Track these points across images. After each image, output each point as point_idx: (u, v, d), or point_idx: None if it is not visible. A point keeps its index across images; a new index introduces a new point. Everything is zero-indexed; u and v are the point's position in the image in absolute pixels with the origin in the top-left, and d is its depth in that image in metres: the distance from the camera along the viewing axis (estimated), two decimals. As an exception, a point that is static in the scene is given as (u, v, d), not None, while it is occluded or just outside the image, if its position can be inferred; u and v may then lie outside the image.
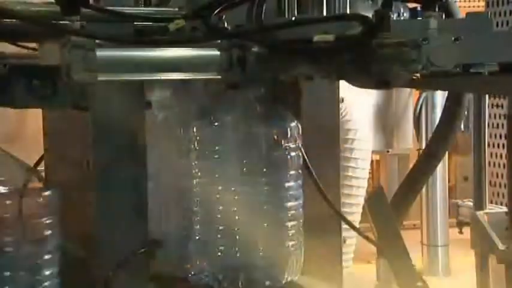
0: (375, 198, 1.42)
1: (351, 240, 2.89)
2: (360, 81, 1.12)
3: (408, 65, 1.01)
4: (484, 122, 2.47)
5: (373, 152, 3.10)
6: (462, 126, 3.55)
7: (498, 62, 1.18)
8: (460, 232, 2.20)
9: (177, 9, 1.50)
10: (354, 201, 2.94)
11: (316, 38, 1.07)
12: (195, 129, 1.58)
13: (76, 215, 1.74)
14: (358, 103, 2.94)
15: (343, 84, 2.34)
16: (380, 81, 1.10)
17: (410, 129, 3.27)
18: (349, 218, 2.97)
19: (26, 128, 3.71)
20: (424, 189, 3.41)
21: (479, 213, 1.93)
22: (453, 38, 1.01)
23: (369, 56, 1.07)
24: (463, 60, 1.04)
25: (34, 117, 2.13)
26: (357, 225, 3.05)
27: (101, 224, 1.63)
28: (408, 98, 3.21)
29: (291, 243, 1.57)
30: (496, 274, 1.99)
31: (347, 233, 2.70)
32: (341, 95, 1.96)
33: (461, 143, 4.14)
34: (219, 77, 1.24)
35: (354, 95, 2.92)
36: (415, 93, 3.31)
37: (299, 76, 1.20)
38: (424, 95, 3.24)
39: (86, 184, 1.65)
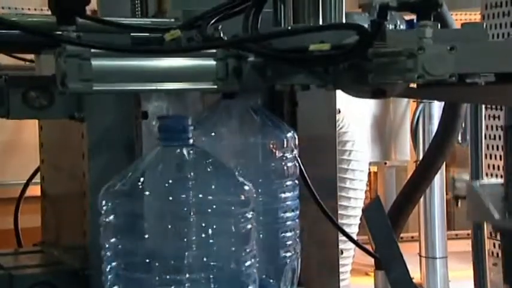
0: (372, 209, 1.42)
1: (349, 252, 2.88)
2: (356, 90, 1.12)
3: (404, 74, 1.01)
4: (481, 133, 2.48)
5: (370, 163, 3.10)
6: (459, 138, 3.55)
7: (494, 72, 1.18)
8: (456, 206, 2.19)
9: (173, 20, 1.51)
10: (352, 212, 2.93)
11: (312, 47, 1.07)
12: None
13: (71, 227, 1.74)
14: (355, 114, 2.94)
15: (340, 96, 2.37)
16: (376, 90, 1.10)
17: (408, 140, 3.27)
18: (347, 229, 2.96)
19: (23, 140, 3.72)
20: (422, 202, 3.40)
21: (475, 183, 1.92)
22: (449, 48, 1.01)
23: (365, 65, 1.07)
24: (459, 70, 1.04)
25: (31, 129, 2.13)
26: (355, 236, 3.04)
27: (97, 235, 1.63)
28: (405, 108, 3.21)
29: (287, 254, 1.56)
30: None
31: (344, 245, 2.70)
32: (338, 106, 1.97)
33: (459, 155, 4.14)
34: (215, 86, 1.24)
35: (350, 106, 2.92)
36: (412, 104, 3.31)
37: (295, 85, 1.20)
38: (421, 106, 3.24)
39: (81, 195, 1.66)
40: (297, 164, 1.60)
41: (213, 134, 1.54)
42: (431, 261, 3.44)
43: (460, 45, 1.06)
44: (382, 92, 1.10)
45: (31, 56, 2.03)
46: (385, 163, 3.29)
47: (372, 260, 1.99)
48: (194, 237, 1.26)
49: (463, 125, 3.23)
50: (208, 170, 1.31)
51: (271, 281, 1.55)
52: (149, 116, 1.64)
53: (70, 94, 1.15)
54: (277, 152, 1.54)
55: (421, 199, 3.37)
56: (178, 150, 1.29)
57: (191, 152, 1.30)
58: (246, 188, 1.31)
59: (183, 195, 1.27)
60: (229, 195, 1.31)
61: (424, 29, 1.01)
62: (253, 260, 1.36)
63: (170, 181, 1.28)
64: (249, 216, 1.33)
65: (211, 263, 1.30)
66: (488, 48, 1.17)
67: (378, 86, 1.09)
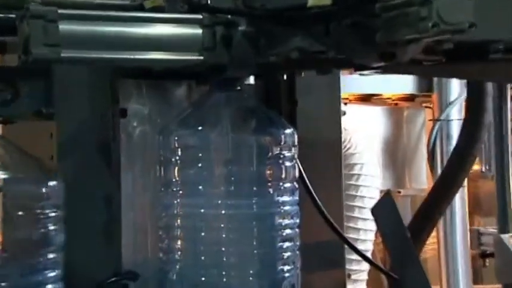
0: (383, 206, 1.38)
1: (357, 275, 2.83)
2: (362, 54, 1.10)
3: (417, 25, 0.98)
4: (508, 158, 2.46)
5: (381, 192, 3.07)
6: (483, 167, 3.52)
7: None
8: (484, 265, 2.15)
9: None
10: (361, 246, 2.88)
11: (310, 3, 1.05)
12: (176, 139, 1.54)
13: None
14: (363, 134, 2.92)
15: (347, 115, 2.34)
16: (384, 54, 1.08)
17: (424, 165, 3.24)
18: (355, 267, 2.92)
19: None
20: (443, 254, 3.34)
21: (504, 236, 1.89)
22: (466, -6, 0.99)
23: (372, 23, 1.05)
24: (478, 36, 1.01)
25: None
26: (365, 276, 2.99)
27: (66, 250, 1.59)
28: (421, 129, 3.19)
29: (285, 267, 1.52)
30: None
31: (356, 266, 2.65)
32: (344, 124, 1.95)
33: (484, 201, 4.04)
34: (201, 57, 1.22)
35: (359, 125, 2.91)
36: (427, 123, 3.29)
37: (292, 54, 1.17)
38: (438, 125, 3.21)
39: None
40: (296, 165, 1.57)
41: (200, 128, 1.52)
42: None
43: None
44: (391, 55, 1.07)
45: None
46: (399, 192, 3.25)
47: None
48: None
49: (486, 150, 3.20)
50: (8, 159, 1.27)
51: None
52: (128, 115, 1.63)
53: (33, 60, 1.12)
54: (273, 148, 1.52)
55: (442, 251, 3.32)
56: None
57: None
58: (50, 183, 1.27)
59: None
60: (28, 188, 1.26)
61: (438, -27, 0.99)
62: (57, 272, 1.29)
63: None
64: (52, 214, 1.28)
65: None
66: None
67: (386, 47, 1.07)
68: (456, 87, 3.15)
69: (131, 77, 1.61)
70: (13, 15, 1.32)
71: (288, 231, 1.53)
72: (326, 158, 1.79)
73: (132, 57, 1.19)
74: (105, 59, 1.18)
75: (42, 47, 1.12)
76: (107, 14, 1.18)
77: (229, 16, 1.21)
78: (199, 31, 1.22)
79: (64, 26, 1.14)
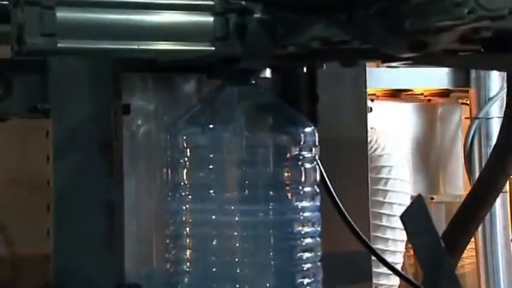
0: (413, 211, 1.39)
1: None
2: (390, 44, 1.11)
3: (451, 11, 0.99)
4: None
5: (412, 198, 3.07)
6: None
7: None
8: None
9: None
10: (391, 258, 2.89)
11: (333, -13, 1.06)
12: (185, 138, 1.56)
13: (31, 249, 1.72)
14: (392, 133, 2.93)
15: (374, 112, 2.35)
16: (415, 43, 1.09)
17: (460, 169, 3.24)
18: (385, 281, 2.93)
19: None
20: (482, 267, 3.33)
21: None
22: (507, -24, 1.00)
23: (401, 9, 1.06)
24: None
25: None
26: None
27: (62, 260, 1.60)
28: (456, 128, 3.19)
29: (305, 280, 1.54)
30: None
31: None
32: (371, 123, 1.96)
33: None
34: (212, 48, 1.23)
35: (387, 124, 2.91)
36: (464, 122, 3.29)
37: (312, 44, 1.18)
38: (476, 123, 3.21)
39: (43, 211, 1.64)
40: (318, 168, 1.58)
41: (210, 126, 1.54)
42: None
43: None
44: (422, 45, 1.08)
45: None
46: (432, 198, 3.26)
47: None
48: None
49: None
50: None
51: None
52: (132, 111, 1.66)
53: (27, 51, 1.14)
54: (291, 149, 1.53)
55: (482, 264, 3.31)
56: None
57: None
58: None
59: None
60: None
61: (475, -46, 0.99)
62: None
63: None
64: None
65: None
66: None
67: (417, 36, 1.08)
68: (496, 82, 3.15)
69: (135, 70, 1.64)
70: (5, 2, 1.34)
71: (308, 240, 1.55)
72: (350, 160, 1.81)
73: (136, 47, 1.20)
74: (106, 49, 1.19)
75: (38, 36, 1.13)
76: (109, 0, 1.19)
77: (243, 2, 1.22)
78: (210, 19, 1.23)
79: (62, 14, 1.15)
